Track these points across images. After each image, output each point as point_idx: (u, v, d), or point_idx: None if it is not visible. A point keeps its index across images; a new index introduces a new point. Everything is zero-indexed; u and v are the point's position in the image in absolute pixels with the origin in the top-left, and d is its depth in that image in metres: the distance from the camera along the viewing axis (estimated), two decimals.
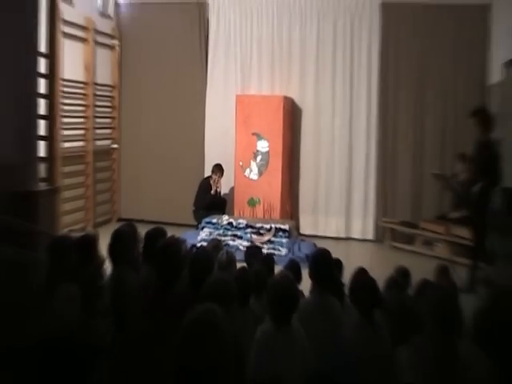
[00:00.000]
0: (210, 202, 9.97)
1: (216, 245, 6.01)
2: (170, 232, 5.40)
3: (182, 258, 4.13)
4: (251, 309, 4.21)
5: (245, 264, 5.58)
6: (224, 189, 10.34)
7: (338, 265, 5.47)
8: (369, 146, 10.40)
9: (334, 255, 6.38)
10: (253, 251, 5.97)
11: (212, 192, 10.02)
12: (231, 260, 5.31)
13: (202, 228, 9.40)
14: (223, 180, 10.16)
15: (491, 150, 7.30)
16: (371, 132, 10.37)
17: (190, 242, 8.16)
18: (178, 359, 2.27)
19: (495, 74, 9.03)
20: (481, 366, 3.30)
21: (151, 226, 5.19)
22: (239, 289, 3.85)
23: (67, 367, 2.31)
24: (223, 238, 8.44)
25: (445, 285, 4.25)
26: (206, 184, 10.10)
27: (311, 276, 4.30)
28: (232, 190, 10.40)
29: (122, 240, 4.44)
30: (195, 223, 9.95)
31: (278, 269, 5.38)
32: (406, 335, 3.42)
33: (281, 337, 3.39)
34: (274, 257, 7.57)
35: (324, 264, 4.32)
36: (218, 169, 10.04)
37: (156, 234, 4.99)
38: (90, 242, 4.72)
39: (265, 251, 8.22)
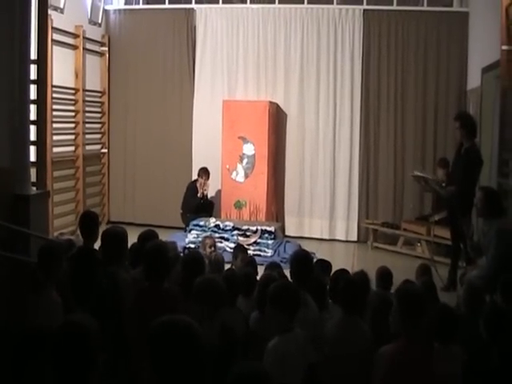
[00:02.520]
0: (198, 205, 9.95)
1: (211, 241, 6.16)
2: (159, 234, 5.43)
3: (169, 259, 4.12)
4: (239, 308, 4.23)
5: (232, 264, 5.73)
6: (211, 191, 10.33)
7: (326, 266, 5.50)
8: (352, 150, 10.43)
9: (319, 256, 6.51)
10: (239, 250, 6.19)
11: (199, 195, 9.99)
12: (219, 260, 5.45)
13: (190, 230, 9.36)
14: (210, 183, 10.15)
15: (476, 154, 7.33)
16: (354, 136, 10.40)
17: (179, 243, 8.19)
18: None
19: (474, 80, 9.08)
20: (455, 364, 3.33)
21: (140, 229, 5.22)
22: (227, 288, 3.86)
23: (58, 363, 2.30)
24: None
25: (416, 284, 4.24)
26: (193, 187, 10.07)
27: (292, 275, 4.31)
28: (219, 192, 10.39)
29: (114, 241, 4.44)
30: (183, 226, 9.95)
31: (261, 269, 5.47)
32: (390, 335, 3.42)
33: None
34: (260, 258, 7.74)
35: (304, 264, 4.33)
36: (204, 172, 10.01)
37: (148, 236, 5.02)
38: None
39: (251, 252, 8.27)
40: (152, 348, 2.20)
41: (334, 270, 5.38)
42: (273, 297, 3.42)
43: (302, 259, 4.40)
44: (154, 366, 2.16)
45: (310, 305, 4.06)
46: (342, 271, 4.88)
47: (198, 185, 10.03)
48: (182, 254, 5.59)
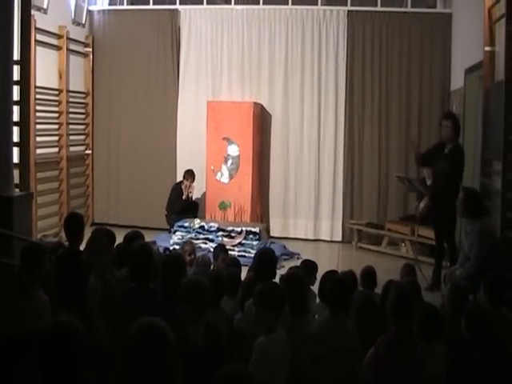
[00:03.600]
0: (182, 206, 9.95)
1: (191, 247, 6.11)
2: (144, 235, 5.44)
3: (155, 259, 4.14)
4: (223, 309, 4.24)
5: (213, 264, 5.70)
6: (196, 193, 10.31)
7: (312, 266, 5.50)
8: (336, 150, 10.47)
9: (304, 256, 6.53)
10: (220, 250, 6.23)
11: (183, 197, 9.99)
12: (206, 261, 5.50)
13: (175, 232, 9.37)
14: (195, 184, 10.13)
15: (462, 154, 7.40)
16: (339, 136, 10.44)
17: (162, 245, 8.21)
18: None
19: (457, 81, 9.15)
20: (440, 363, 3.36)
21: (124, 230, 5.22)
22: (213, 289, 3.85)
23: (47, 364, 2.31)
24: (195, 242, 8.38)
25: (404, 283, 4.29)
26: (177, 189, 10.07)
27: (255, 274, 4.39)
28: (204, 193, 10.38)
29: (99, 241, 4.44)
30: (168, 227, 9.95)
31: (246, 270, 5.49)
32: (375, 334, 3.47)
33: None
34: (245, 259, 7.74)
35: (266, 262, 4.40)
36: (190, 174, 10.01)
37: (134, 237, 5.02)
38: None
39: (236, 253, 8.37)
40: (126, 352, 2.25)
41: (318, 269, 5.39)
42: (261, 296, 3.44)
43: (264, 257, 4.48)
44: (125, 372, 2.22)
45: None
46: (332, 272, 4.89)
47: (183, 187, 10.02)
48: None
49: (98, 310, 3.81)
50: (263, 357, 3.23)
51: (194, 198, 10.20)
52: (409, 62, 10.19)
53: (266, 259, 4.43)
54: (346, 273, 5.03)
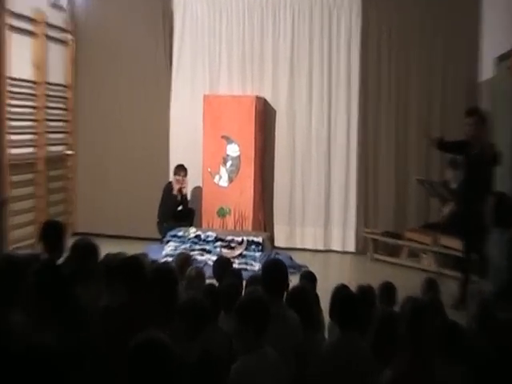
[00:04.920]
0: (175, 213, 9.98)
1: (185, 259, 6.13)
2: (133, 247, 5.40)
3: (147, 273, 4.24)
4: (220, 326, 4.26)
5: (214, 280, 5.66)
6: (191, 197, 10.34)
7: (312, 279, 5.53)
8: (349, 150, 10.47)
9: (313, 269, 6.50)
10: (222, 263, 6.02)
11: (175, 192, 10.01)
12: (200, 276, 5.42)
13: (167, 242, 9.40)
14: (190, 188, 10.20)
15: (493, 153, 7.35)
16: (352, 135, 10.44)
17: (153, 257, 8.14)
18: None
19: (486, 71, 9.14)
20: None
21: (111, 241, 5.17)
22: (210, 305, 3.95)
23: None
24: (190, 253, 8.31)
25: (423, 300, 4.29)
26: (168, 188, 10.11)
27: (264, 287, 4.33)
28: (200, 198, 10.39)
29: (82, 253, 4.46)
30: (159, 237, 9.96)
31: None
32: (392, 353, 3.50)
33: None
34: (247, 272, 7.67)
35: (276, 272, 4.37)
36: (181, 169, 10.05)
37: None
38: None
39: (236, 266, 8.20)
40: (129, 365, 2.44)
41: (329, 284, 5.36)
42: (238, 312, 3.47)
43: (273, 267, 4.44)
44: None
45: (289, 319, 4.10)
46: (343, 287, 4.89)
47: (173, 182, 10.08)
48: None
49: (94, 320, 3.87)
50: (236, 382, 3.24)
51: (188, 203, 10.25)
52: (430, 51, 10.09)
53: (276, 270, 4.41)
54: (363, 288, 5.05)
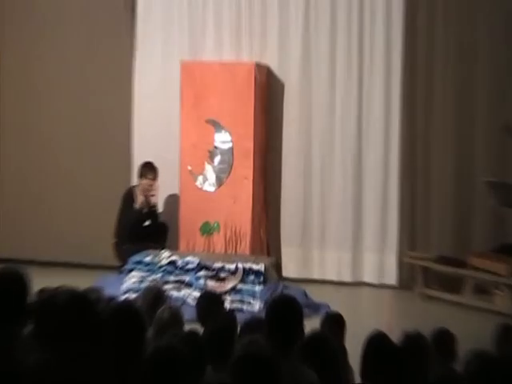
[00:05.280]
0: (139, 228, 9.93)
1: (156, 295, 6.15)
2: (80, 278, 5.30)
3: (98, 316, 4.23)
4: None
5: (197, 324, 5.64)
6: (163, 206, 10.37)
7: (335, 321, 5.55)
8: (388, 144, 10.47)
9: (336, 309, 6.42)
10: (208, 302, 6.10)
11: (138, 205, 9.97)
12: (176, 319, 5.38)
13: (129, 271, 9.35)
14: (163, 194, 10.20)
15: None
16: (392, 122, 10.44)
17: (109, 292, 8.01)
18: None
19: None
20: None
21: (47, 269, 5.14)
22: (192, 359, 3.89)
23: None
24: (163, 287, 8.25)
25: (496, 356, 4.30)
26: (130, 196, 10.09)
27: (268, 336, 4.35)
28: (176, 209, 10.37)
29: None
30: (118, 264, 9.91)
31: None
32: None
33: None
34: (243, 314, 7.66)
35: (286, 315, 4.38)
36: (149, 169, 10.00)
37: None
38: None
39: (228, 305, 8.38)
40: None
41: (360, 331, 5.20)
42: (232, 372, 3.53)
43: (282, 307, 4.45)
44: None
45: (303, 382, 4.07)
46: (380, 337, 4.72)
47: (137, 190, 10.02)
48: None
49: None
50: None
51: (159, 215, 10.23)
52: (508, 14, 10.09)
53: (285, 312, 4.37)
54: (410, 337, 4.90)
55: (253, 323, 5.34)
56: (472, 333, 6.47)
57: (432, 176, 10.35)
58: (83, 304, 4.22)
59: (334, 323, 5.52)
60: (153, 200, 10.06)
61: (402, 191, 10.40)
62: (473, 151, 10.25)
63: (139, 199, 9.97)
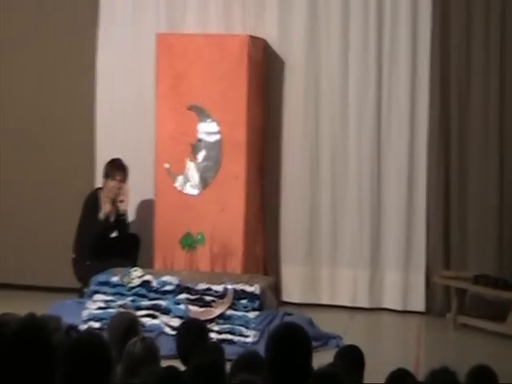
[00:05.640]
0: (107, 239, 10.02)
1: (127, 324, 6.10)
2: (31, 303, 5.29)
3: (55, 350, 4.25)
4: None
5: (177, 360, 5.69)
6: (134, 213, 10.36)
7: (353, 356, 5.50)
8: (414, 136, 10.56)
9: (352, 341, 6.42)
10: (190, 332, 6.08)
11: (102, 214, 10.01)
12: (151, 354, 5.37)
13: (92, 294, 9.37)
14: (136, 200, 10.33)
15: None
16: (419, 110, 10.51)
17: (68, 321, 8.02)
18: None
19: None
20: None
21: None
22: None
23: None
24: (135, 313, 8.24)
25: None
26: (93, 202, 10.12)
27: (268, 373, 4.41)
28: (151, 217, 10.40)
29: None
30: (78, 285, 9.98)
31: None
32: None
33: None
34: (234, 347, 7.70)
35: (292, 351, 4.38)
36: (117, 168, 10.07)
37: None
38: None
39: (215, 336, 8.45)
40: None
41: (381, 367, 5.43)
42: None
43: (285, 339, 4.45)
44: None
45: None
46: (406, 374, 4.80)
47: (102, 195, 10.06)
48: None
49: None
50: None
51: (129, 225, 10.26)
52: None
53: (289, 344, 4.37)
54: (441, 375, 4.88)
55: (247, 359, 5.33)
56: None
57: (469, 179, 10.42)
58: (35, 335, 4.25)
59: (350, 358, 5.44)
60: (122, 207, 10.10)
61: (432, 196, 10.49)
62: None
63: (105, 206, 9.99)
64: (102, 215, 9.96)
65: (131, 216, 10.44)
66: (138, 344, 5.43)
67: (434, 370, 4.87)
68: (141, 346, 5.36)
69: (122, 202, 10.06)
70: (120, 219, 10.15)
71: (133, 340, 5.51)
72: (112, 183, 9.99)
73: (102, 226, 10.01)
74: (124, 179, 10.02)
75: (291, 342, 4.41)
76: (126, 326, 6.03)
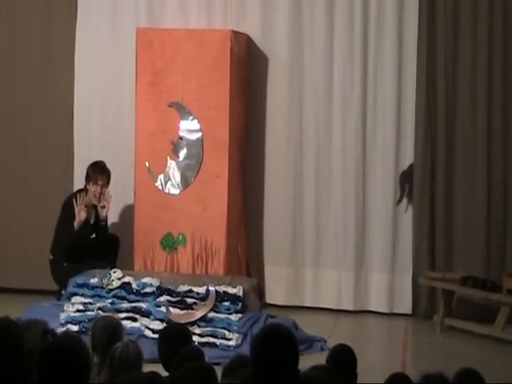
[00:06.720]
0: (86, 241, 9.92)
1: (113, 328, 6.09)
2: (5, 306, 5.27)
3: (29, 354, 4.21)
4: None
5: (158, 364, 5.65)
6: (114, 214, 10.31)
7: (345, 356, 5.50)
8: (400, 135, 10.57)
9: (335, 342, 6.41)
10: (171, 335, 6.12)
11: (76, 223, 9.92)
12: (138, 358, 5.40)
13: (70, 296, 9.36)
14: (119, 206, 10.37)
15: None
16: (406, 107, 10.56)
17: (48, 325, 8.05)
18: None
19: None
20: None
21: None
22: None
23: None
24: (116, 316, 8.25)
25: None
26: (71, 207, 10.02)
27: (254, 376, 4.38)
28: (130, 217, 10.39)
29: None
30: (55, 287, 9.95)
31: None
32: None
33: None
34: (216, 351, 7.79)
35: (279, 354, 4.31)
36: (99, 172, 10.02)
37: None
38: None
39: (197, 340, 8.42)
40: None
41: (370, 371, 5.38)
42: None
43: (272, 342, 4.36)
44: None
45: None
46: (397, 378, 4.87)
47: (79, 200, 9.96)
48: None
49: None
50: None
51: (108, 226, 10.21)
52: None
53: (276, 347, 4.30)
54: (429, 378, 4.97)
55: (233, 364, 5.34)
56: (506, 373, 6.47)
57: (455, 180, 10.49)
58: (5, 338, 4.23)
59: (343, 358, 5.46)
60: (103, 213, 10.07)
61: (419, 196, 10.48)
62: (507, 145, 10.37)
63: (79, 215, 9.90)
64: (76, 224, 9.86)
65: (110, 216, 10.36)
66: (119, 349, 5.44)
67: (427, 375, 4.92)
68: (128, 351, 5.34)
69: (103, 207, 10.02)
70: (100, 225, 10.13)
71: (118, 344, 5.51)
72: (93, 188, 9.96)
73: (80, 228, 9.92)
74: (106, 184, 9.99)
75: (277, 344, 4.34)
76: (110, 330, 5.96)
